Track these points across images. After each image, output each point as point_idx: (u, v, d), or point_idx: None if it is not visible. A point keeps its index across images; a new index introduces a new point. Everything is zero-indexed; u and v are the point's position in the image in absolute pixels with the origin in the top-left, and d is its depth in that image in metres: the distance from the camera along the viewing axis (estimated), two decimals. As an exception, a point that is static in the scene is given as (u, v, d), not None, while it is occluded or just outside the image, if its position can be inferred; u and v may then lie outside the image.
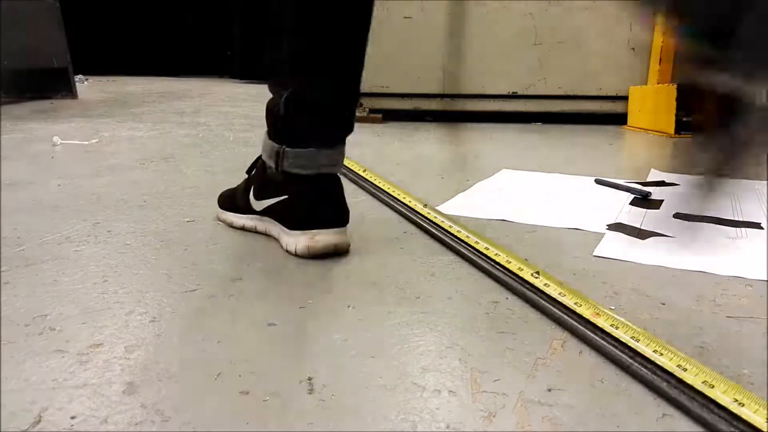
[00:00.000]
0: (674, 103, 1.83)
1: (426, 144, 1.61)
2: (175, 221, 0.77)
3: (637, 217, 0.82)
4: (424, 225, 0.75)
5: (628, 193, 0.97)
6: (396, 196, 0.88)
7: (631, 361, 0.40)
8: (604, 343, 0.43)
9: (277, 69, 0.66)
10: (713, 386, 0.36)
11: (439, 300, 0.53)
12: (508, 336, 0.46)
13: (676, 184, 1.05)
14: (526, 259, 0.60)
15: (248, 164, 0.74)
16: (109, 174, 1.09)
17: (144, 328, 0.46)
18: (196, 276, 0.58)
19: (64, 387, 0.38)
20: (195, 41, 6.10)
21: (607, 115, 2.21)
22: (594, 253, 0.66)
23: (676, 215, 0.83)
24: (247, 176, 0.75)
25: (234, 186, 0.77)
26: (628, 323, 0.45)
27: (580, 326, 0.46)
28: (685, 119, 1.88)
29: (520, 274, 0.55)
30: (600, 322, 0.45)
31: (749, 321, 0.49)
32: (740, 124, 0.35)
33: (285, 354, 0.43)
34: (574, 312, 0.47)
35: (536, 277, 0.54)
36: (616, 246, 0.69)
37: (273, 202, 0.68)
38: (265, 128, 0.68)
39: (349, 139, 0.67)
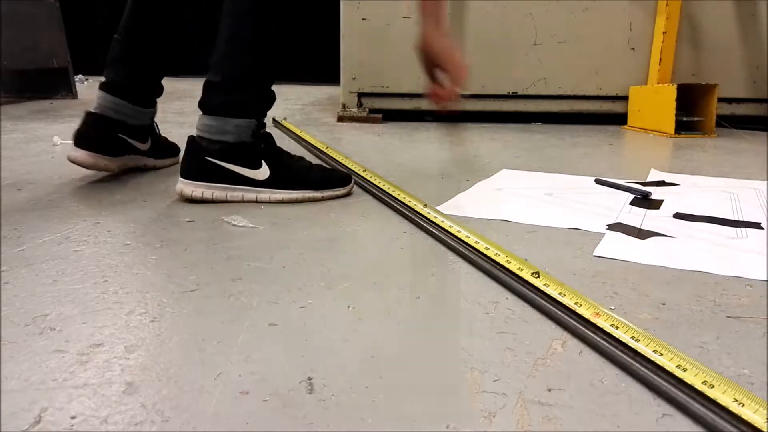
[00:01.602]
0: (674, 103, 1.83)
1: (426, 144, 1.61)
2: (175, 221, 0.77)
3: (637, 217, 0.82)
4: (424, 225, 0.75)
5: (629, 193, 0.97)
6: (396, 196, 0.88)
7: (631, 361, 0.40)
8: (604, 343, 0.43)
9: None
10: (713, 386, 0.36)
11: (439, 300, 0.53)
12: (508, 336, 0.46)
13: (675, 184, 1.05)
14: (526, 259, 0.60)
15: None
16: (109, 174, 1.09)
17: (144, 328, 0.46)
18: (196, 276, 0.58)
19: (64, 387, 0.38)
20: (195, 41, 6.10)
21: (607, 115, 2.21)
22: (594, 253, 0.66)
23: (677, 215, 0.83)
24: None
25: None
26: (628, 323, 0.45)
27: (580, 326, 0.46)
28: (685, 119, 1.88)
29: (520, 274, 0.55)
30: (600, 322, 0.45)
31: (749, 321, 0.49)
32: None
33: (285, 354, 0.43)
34: (574, 312, 0.47)
35: (536, 277, 0.54)
36: (616, 246, 0.69)
37: None
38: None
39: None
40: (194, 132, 0.87)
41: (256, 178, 0.87)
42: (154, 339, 0.44)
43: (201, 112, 0.87)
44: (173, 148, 1.19)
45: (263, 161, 0.88)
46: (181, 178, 0.87)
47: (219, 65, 0.86)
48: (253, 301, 0.52)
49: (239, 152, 0.86)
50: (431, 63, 0.82)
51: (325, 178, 0.93)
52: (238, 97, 0.85)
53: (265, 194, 0.88)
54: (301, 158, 0.96)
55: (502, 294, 0.54)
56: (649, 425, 0.35)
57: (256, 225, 0.76)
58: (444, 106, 0.84)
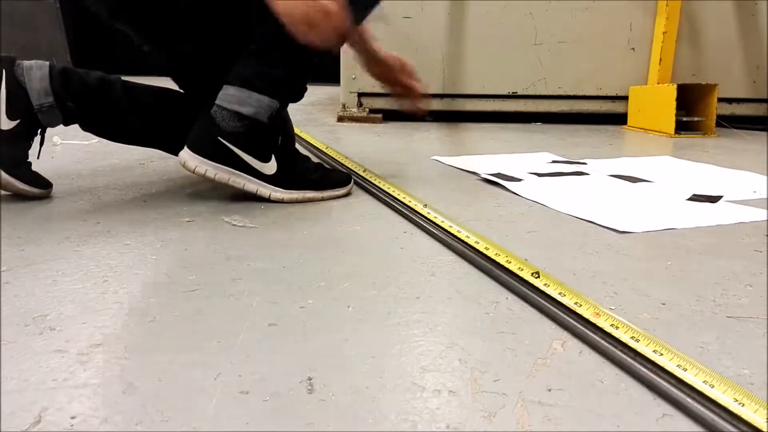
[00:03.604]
0: (674, 103, 1.83)
1: (426, 144, 1.61)
2: (175, 221, 0.77)
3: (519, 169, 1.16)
4: (424, 225, 0.75)
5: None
6: (396, 196, 0.88)
7: (631, 361, 0.40)
8: (604, 343, 0.43)
9: None
10: (713, 386, 0.36)
11: (439, 300, 0.53)
12: (508, 336, 0.46)
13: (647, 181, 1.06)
14: (526, 259, 0.60)
15: None
16: (109, 174, 1.09)
17: (144, 328, 0.46)
18: (196, 276, 0.58)
19: (64, 387, 0.38)
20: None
21: (607, 115, 2.21)
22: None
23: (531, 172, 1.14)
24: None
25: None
26: (628, 323, 0.45)
27: (580, 326, 0.46)
28: (685, 119, 1.88)
29: (520, 274, 0.55)
30: (600, 322, 0.45)
31: (749, 321, 0.49)
32: None
33: (285, 354, 0.43)
34: (574, 312, 0.47)
35: (536, 277, 0.54)
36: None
37: None
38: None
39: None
40: None
41: (262, 171, 0.86)
42: (154, 339, 0.44)
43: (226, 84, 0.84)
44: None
45: (273, 156, 0.87)
46: (188, 149, 0.84)
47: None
48: (253, 301, 0.52)
49: (253, 140, 0.85)
50: (390, 76, 1.10)
51: (326, 178, 0.93)
52: (272, 72, 0.83)
53: (267, 190, 0.87)
54: (307, 158, 0.97)
55: (502, 294, 0.54)
56: (649, 425, 0.35)
57: (256, 225, 0.76)
58: (417, 104, 1.12)
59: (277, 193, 0.88)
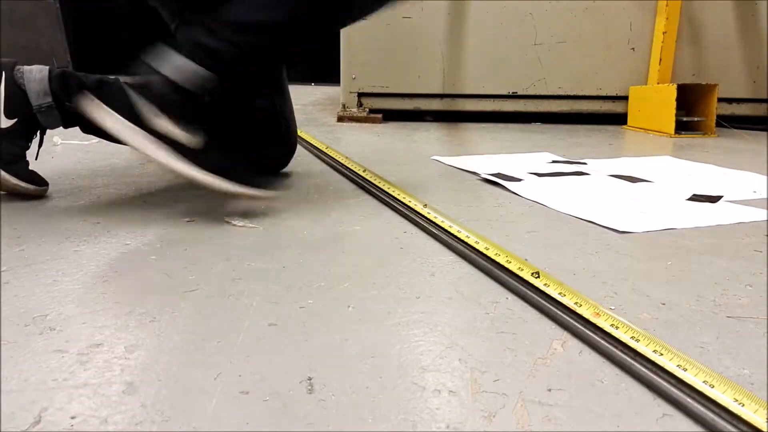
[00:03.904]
0: (674, 103, 1.83)
1: (426, 144, 1.61)
2: (175, 221, 0.77)
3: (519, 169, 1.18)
4: (424, 225, 0.75)
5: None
6: (396, 196, 0.88)
7: (631, 361, 0.40)
8: (604, 343, 0.43)
9: None
10: (713, 386, 0.36)
11: (439, 300, 0.53)
12: (508, 336, 0.46)
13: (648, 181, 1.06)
14: (526, 259, 0.60)
15: None
16: (109, 174, 1.09)
17: (144, 328, 0.46)
18: (196, 276, 0.58)
19: (64, 387, 0.38)
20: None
21: (607, 115, 2.21)
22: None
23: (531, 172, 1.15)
24: None
25: None
26: (628, 323, 0.45)
27: (580, 326, 0.46)
28: (685, 119, 1.88)
29: (520, 274, 0.55)
30: (600, 322, 0.45)
31: (749, 321, 0.49)
32: None
33: (285, 354, 0.43)
34: (574, 312, 0.47)
35: (536, 277, 0.54)
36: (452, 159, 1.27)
37: None
38: None
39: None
40: None
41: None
42: (154, 339, 0.44)
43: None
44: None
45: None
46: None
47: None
48: (253, 301, 0.52)
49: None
50: None
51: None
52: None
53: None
54: None
55: (502, 294, 0.54)
56: (649, 425, 0.35)
57: (256, 225, 0.76)
58: None
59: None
